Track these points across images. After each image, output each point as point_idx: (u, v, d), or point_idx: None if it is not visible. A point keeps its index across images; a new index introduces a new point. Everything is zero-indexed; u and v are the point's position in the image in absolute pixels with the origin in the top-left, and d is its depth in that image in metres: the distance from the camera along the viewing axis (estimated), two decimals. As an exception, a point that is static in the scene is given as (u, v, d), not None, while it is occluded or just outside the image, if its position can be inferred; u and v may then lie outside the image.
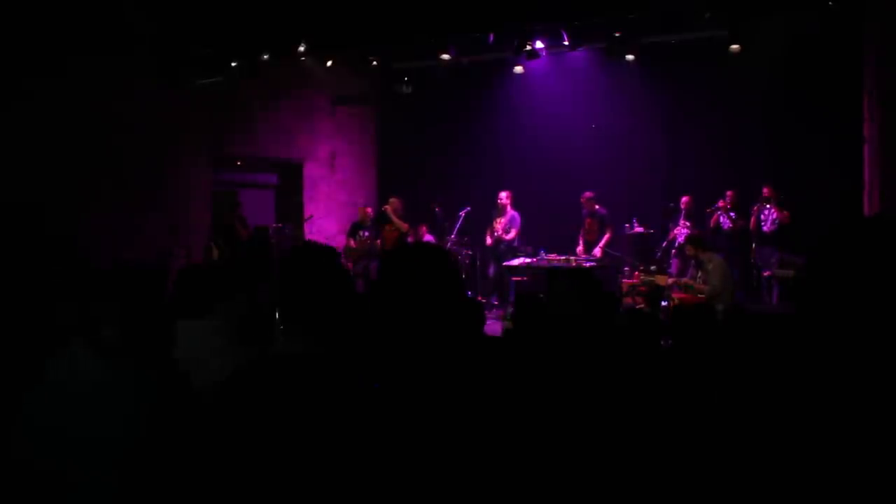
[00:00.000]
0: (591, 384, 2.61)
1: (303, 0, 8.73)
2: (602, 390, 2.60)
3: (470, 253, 9.99)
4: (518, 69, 10.10)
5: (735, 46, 8.53)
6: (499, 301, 9.52)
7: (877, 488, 1.63)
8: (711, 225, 9.23)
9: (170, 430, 1.81)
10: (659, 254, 9.54)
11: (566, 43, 8.78)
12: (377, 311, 1.61)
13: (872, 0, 7.73)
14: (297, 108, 11.00)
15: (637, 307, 7.23)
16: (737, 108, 9.76)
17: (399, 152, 11.78)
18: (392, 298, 1.59)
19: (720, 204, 9.22)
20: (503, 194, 9.67)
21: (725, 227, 9.20)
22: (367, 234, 9.86)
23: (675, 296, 7.17)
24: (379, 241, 9.73)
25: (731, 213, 9.17)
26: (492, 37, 9.04)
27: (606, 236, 9.47)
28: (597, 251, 9.39)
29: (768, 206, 8.88)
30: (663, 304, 7.26)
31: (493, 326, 7.36)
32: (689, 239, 7.64)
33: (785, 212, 8.77)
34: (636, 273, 8.61)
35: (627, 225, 9.64)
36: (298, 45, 9.06)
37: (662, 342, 3.73)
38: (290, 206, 11.40)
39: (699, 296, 6.88)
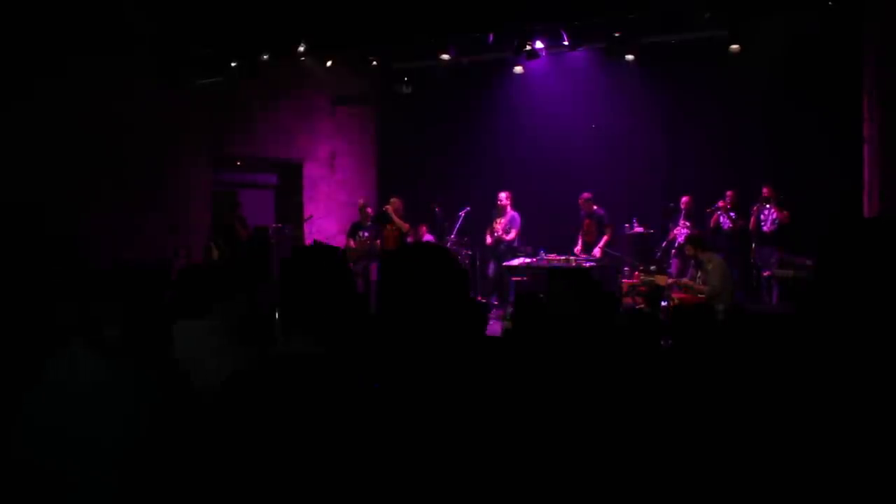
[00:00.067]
0: (590, 384, 2.61)
1: (303, 0, 8.73)
2: (602, 390, 2.60)
3: (470, 253, 9.99)
4: (518, 69, 10.11)
5: (735, 46, 8.54)
6: (499, 301, 9.53)
7: (876, 488, 1.63)
8: (711, 225, 9.24)
9: (170, 430, 1.81)
10: (659, 254, 9.54)
11: (566, 43, 8.79)
12: (380, 311, 1.60)
13: (872, 0, 7.73)
14: (296, 108, 11.00)
15: (637, 307, 7.24)
16: (737, 108, 9.76)
17: (399, 152, 11.79)
18: (395, 298, 1.59)
19: (720, 204, 9.22)
20: (503, 195, 9.67)
21: (725, 227, 9.21)
22: (366, 234, 9.86)
23: (675, 296, 7.18)
24: (379, 241, 9.73)
25: (731, 213, 9.17)
26: (491, 37, 9.04)
27: (605, 237, 9.48)
28: (596, 251, 9.39)
29: (768, 206, 8.89)
30: (663, 304, 7.26)
31: (494, 326, 7.37)
32: (688, 239, 7.64)
33: (785, 212, 8.77)
34: (636, 273, 8.61)
35: (627, 225, 9.64)
36: (298, 45, 9.07)
37: (662, 342, 3.73)
38: (290, 206, 11.40)
39: (699, 296, 6.88)
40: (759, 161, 9.60)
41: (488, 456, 1.44)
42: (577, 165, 10.33)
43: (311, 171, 11.33)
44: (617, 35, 8.70)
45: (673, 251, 9.32)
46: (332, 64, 9.87)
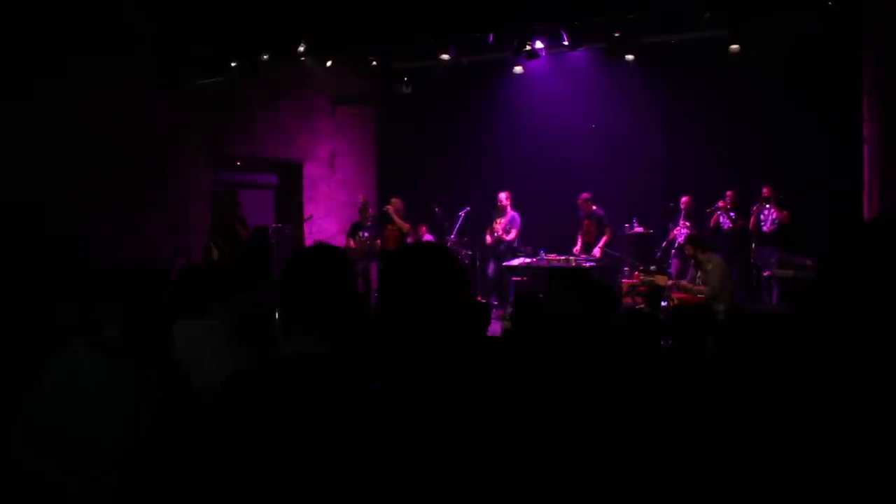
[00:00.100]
0: (590, 384, 2.61)
1: (303, 0, 8.73)
2: (601, 390, 2.60)
3: (470, 253, 9.99)
4: (518, 69, 10.11)
5: (735, 46, 8.54)
6: (499, 301, 9.53)
7: (876, 488, 1.63)
8: (711, 225, 9.24)
9: (170, 430, 1.81)
10: (659, 254, 9.54)
11: (566, 43, 8.79)
12: (382, 311, 1.60)
13: (872, 0, 7.73)
14: (297, 108, 11.00)
15: (637, 307, 7.24)
16: (737, 108, 9.76)
17: (399, 152, 11.79)
18: (397, 298, 1.59)
19: (720, 204, 9.22)
20: (503, 195, 9.67)
21: (725, 227, 9.21)
22: (366, 234, 9.86)
23: (675, 296, 7.18)
24: (379, 241, 9.73)
25: (731, 213, 9.18)
26: (491, 37, 9.04)
27: (605, 237, 9.48)
28: (596, 251, 9.40)
29: (768, 206, 8.89)
30: (663, 304, 7.26)
31: (494, 326, 7.37)
32: (688, 239, 7.64)
33: (784, 212, 8.77)
34: (636, 273, 8.61)
35: (627, 225, 9.64)
36: (298, 45, 9.07)
37: (662, 342, 3.73)
38: (290, 206, 11.40)
39: (699, 296, 6.88)
40: (759, 161, 9.60)
41: (490, 456, 1.45)
42: (577, 165, 10.33)
43: (311, 171, 11.33)
44: (617, 35, 8.70)
45: (673, 251, 9.33)
46: (332, 64, 9.87)
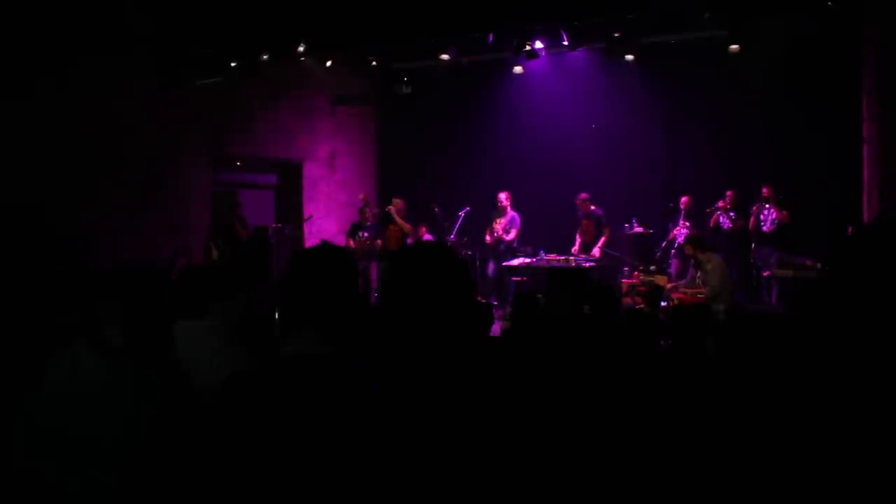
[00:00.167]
0: (589, 384, 2.62)
1: (303, 0, 8.73)
2: (600, 390, 2.61)
3: (469, 253, 9.99)
4: (518, 69, 10.10)
5: (735, 46, 8.54)
6: (498, 301, 9.53)
7: (876, 488, 1.64)
8: (711, 225, 9.24)
9: (171, 430, 1.81)
10: (658, 254, 9.54)
11: (566, 43, 8.79)
12: (386, 310, 1.60)
13: (871, 0, 7.73)
14: (296, 108, 11.00)
15: (637, 307, 7.24)
16: (736, 108, 9.76)
17: (399, 152, 11.78)
18: (402, 298, 1.58)
19: (720, 204, 9.22)
20: (503, 195, 9.67)
21: (725, 227, 9.20)
22: (366, 234, 9.86)
23: (675, 296, 7.18)
24: (380, 241, 9.73)
25: (731, 213, 9.17)
26: (491, 37, 9.04)
27: (603, 237, 9.48)
28: (595, 251, 9.40)
29: (767, 205, 8.88)
30: (663, 304, 7.27)
31: (493, 326, 7.36)
32: (688, 239, 7.64)
33: (784, 212, 8.77)
34: (636, 273, 8.61)
35: (627, 225, 9.64)
36: (298, 45, 9.07)
37: (662, 342, 3.73)
38: (290, 206, 11.40)
39: (699, 296, 6.89)
40: (759, 161, 9.60)
41: (491, 456, 1.45)
42: (577, 165, 10.33)
43: (310, 171, 11.33)
44: (617, 35, 8.70)
45: (673, 251, 9.32)
46: (332, 64, 9.87)
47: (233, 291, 2.74)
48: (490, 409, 1.50)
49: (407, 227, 9.63)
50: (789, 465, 1.84)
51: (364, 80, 11.11)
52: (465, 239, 9.93)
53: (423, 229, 9.99)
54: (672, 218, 9.56)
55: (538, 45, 8.72)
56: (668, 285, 7.61)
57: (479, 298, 9.31)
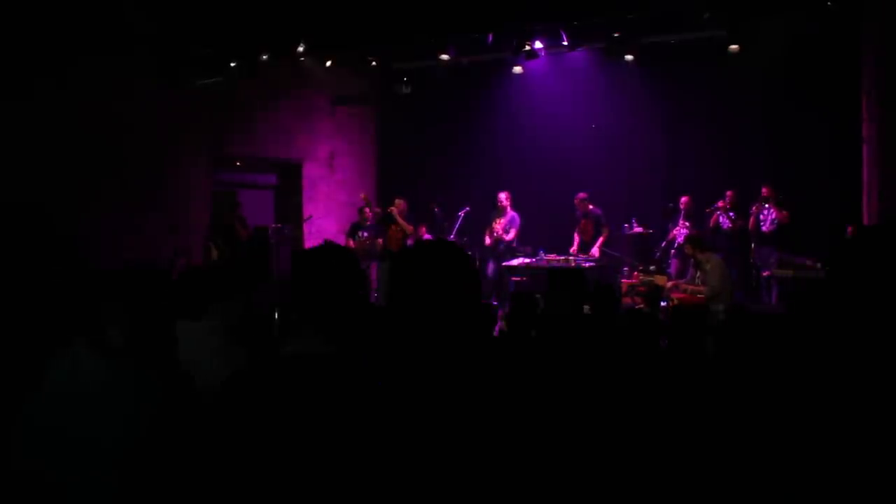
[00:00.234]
0: (588, 384, 2.62)
1: (303, 0, 8.73)
2: (599, 390, 2.61)
3: (469, 253, 9.97)
4: (517, 69, 10.10)
5: (734, 46, 8.54)
6: (498, 301, 9.53)
7: (875, 488, 1.64)
8: (711, 225, 9.24)
9: (171, 430, 1.81)
10: (658, 254, 9.54)
11: (565, 43, 8.79)
12: (393, 309, 1.58)
13: (871, 1, 7.74)
14: (296, 108, 11.00)
15: (636, 307, 7.24)
16: (736, 108, 9.76)
17: (399, 152, 11.79)
18: (410, 296, 1.57)
19: (719, 204, 9.22)
20: (503, 195, 9.68)
21: (725, 227, 9.21)
22: (366, 234, 9.86)
23: (674, 296, 7.18)
24: (381, 241, 9.73)
25: (731, 213, 9.18)
26: (491, 37, 9.04)
27: (602, 236, 9.47)
28: (595, 251, 9.39)
29: (767, 205, 8.88)
30: (662, 304, 7.27)
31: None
32: (687, 239, 7.64)
33: (784, 212, 8.77)
34: (635, 273, 8.61)
35: (627, 225, 9.64)
36: (298, 45, 9.07)
37: (662, 342, 3.73)
38: (290, 206, 11.40)
39: (698, 296, 6.89)
40: (759, 161, 9.60)
41: (491, 456, 1.45)
42: (576, 165, 10.33)
43: (310, 171, 11.33)
44: (616, 35, 8.70)
45: (672, 251, 9.33)
46: (332, 64, 9.87)
47: (233, 291, 2.75)
48: (490, 409, 1.50)
49: (409, 227, 9.63)
50: (789, 464, 1.84)
51: (364, 80, 11.12)
52: (465, 239, 9.93)
53: (423, 229, 9.99)
54: (672, 218, 9.56)
55: (538, 45, 8.72)
56: (669, 284, 7.62)
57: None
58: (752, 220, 9.02)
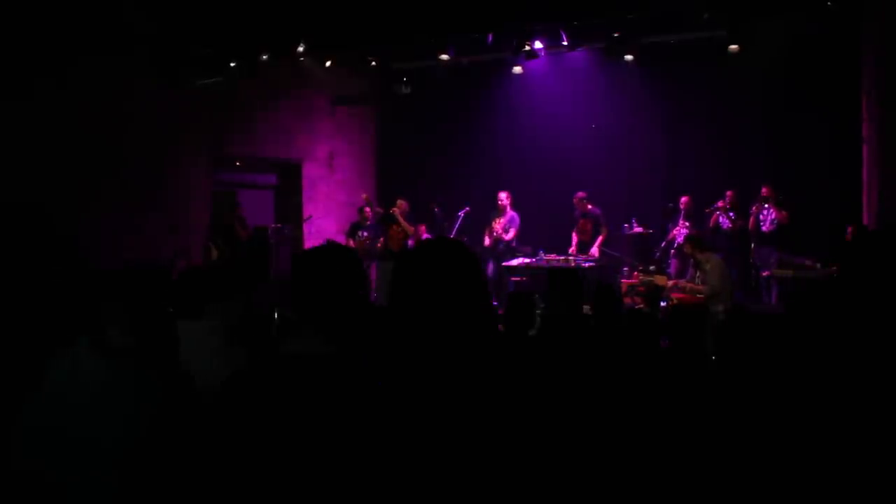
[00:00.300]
0: (587, 384, 2.62)
1: (302, 0, 8.73)
2: (598, 390, 2.61)
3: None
4: (517, 69, 10.10)
5: (734, 46, 8.54)
6: (498, 302, 9.52)
7: (875, 487, 1.64)
8: (711, 225, 9.24)
9: (171, 430, 1.81)
10: (658, 254, 9.54)
11: (565, 43, 8.78)
12: (398, 309, 1.57)
13: (871, 1, 7.74)
14: (296, 108, 11.00)
15: (636, 307, 7.24)
16: (736, 108, 9.76)
17: (398, 152, 11.79)
18: (418, 296, 1.56)
19: (719, 204, 9.22)
20: (503, 195, 9.67)
21: (725, 227, 9.21)
22: (366, 234, 9.86)
23: (674, 296, 7.18)
24: (383, 239, 9.73)
25: (731, 213, 9.17)
26: (491, 37, 9.04)
27: (601, 236, 9.47)
28: (594, 251, 9.39)
29: (767, 205, 8.89)
30: (662, 304, 7.27)
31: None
32: (687, 239, 7.64)
33: (783, 212, 8.78)
34: (635, 273, 8.61)
35: (627, 225, 9.64)
36: (298, 45, 9.07)
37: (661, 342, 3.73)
38: (290, 206, 11.41)
39: (698, 296, 6.89)
40: (759, 161, 9.60)
41: (492, 457, 1.45)
42: (576, 165, 10.33)
43: (310, 171, 11.33)
44: (616, 35, 8.70)
45: (672, 251, 9.33)
46: (332, 64, 9.87)
47: (233, 291, 2.75)
48: (490, 409, 1.50)
49: (411, 229, 9.63)
50: (788, 464, 1.84)
51: (364, 80, 11.12)
52: (465, 239, 9.93)
53: (423, 229, 9.99)
54: (672, 218, 9.56)
55: (538, 45, 8.71)
56: (669, 283, 7.61)
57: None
58: (751, 220, 9.01)
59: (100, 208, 8.36)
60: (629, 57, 9.20)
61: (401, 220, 9.62)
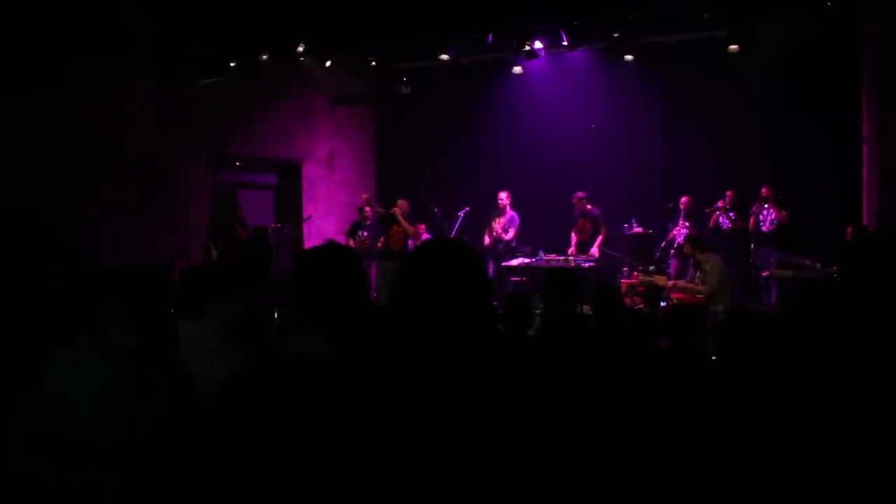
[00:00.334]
0: (586, 385, 2.62)
1: (302, 0, 8.73)
2: (597, 390, 2.61)
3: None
4: (517, 69, 10.10)
5: (734, 47, 8.54)
6: (498, 302, 9.52)
7: (874, 487, 1.64)
8: (711, 225, 9.24)
9: (171, 430, 1.82)
10: (658, 254, 9.54)
11: (565, 43, 8.78)
12: (401, 308, 1.57)
13: (871, 1, 7.74)
14: (296, 108, 11.01)
15: (636, 307, 7.25)
16: (736, 108, 9.76)
17: (398, 152, 11.79)
18: (421, 298, 1.56)
19: (719, 204, 9.22)
20: (503, 195, 9.67)
21: (725, 227, 9.21)
22: (366, 234, 9.86)
23: (674, 296, 7.18)
24: (383, 238, 9.73)
25: (731, 214, 9.18)
26: (491, 37, 9.04)
27: (601, 237, 9.47)
28: (594, 251, 9.39)
29: (767, 205, 8.89)
30: (662, 304, 7.27)
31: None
32: (687, 239, 7.64)
33: (783, 212, 8.78)
34: (635, 273, 8.61)
35: (626, 225, 9.64)
36: (298, 45, 9.07)
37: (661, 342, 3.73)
38: (290, 206, 11.41)
39: (698, 296, 6.89)
40: (759, 161, 9.60)
41: (491, 457, 1.45)
42: (576, 165, 10.33)
43: (310, 171, 11.33)
44: (616, 35, 8.70)
45: (672, 251, 9.33)
46: (332, 64, 9.87)
47: (233, 291, 2.75)
48: (490, 409, 1.50)
49: (411, 229, 9.63)
50: (788, 464, 1.85)
51: (364, 80, 11.12)
52: (465, 239, 9.92)
53: (422, 229, 9.99)
54: (672, 218, 9.56)
55: (538, 45, 8.71)
56: (670, 283, 7.61)
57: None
58: (751, 220, 9.02)
59: (100, 208, 8.36)
60: (629, 57, 9.20)
61: (401, 220, 9.62)
